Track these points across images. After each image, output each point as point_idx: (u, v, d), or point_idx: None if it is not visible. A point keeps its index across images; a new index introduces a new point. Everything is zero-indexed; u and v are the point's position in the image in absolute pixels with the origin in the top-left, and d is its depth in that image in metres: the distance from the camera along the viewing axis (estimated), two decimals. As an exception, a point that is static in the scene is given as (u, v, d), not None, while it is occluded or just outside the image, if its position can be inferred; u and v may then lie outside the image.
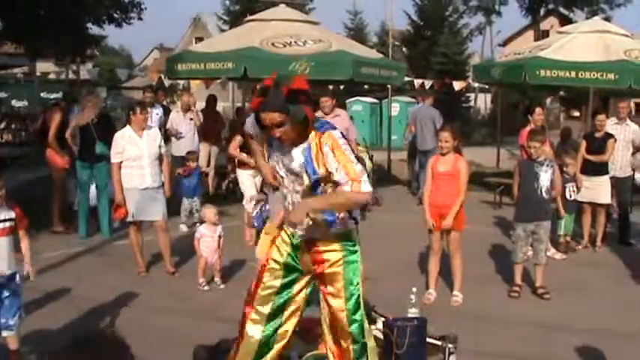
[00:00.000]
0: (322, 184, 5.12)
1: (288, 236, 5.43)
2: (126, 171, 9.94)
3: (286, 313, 5.53)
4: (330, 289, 5.35)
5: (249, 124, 5.75)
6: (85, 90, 16.14)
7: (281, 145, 5.21)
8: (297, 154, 5.12)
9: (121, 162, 9.95)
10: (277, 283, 5.46)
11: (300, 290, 5.53)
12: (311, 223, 5.07)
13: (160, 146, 10.20)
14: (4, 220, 6.42)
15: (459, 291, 9.16)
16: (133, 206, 9.96)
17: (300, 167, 5.11)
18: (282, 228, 5.53)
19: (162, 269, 10.34)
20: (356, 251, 5.42)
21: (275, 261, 5.47)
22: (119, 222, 11.55)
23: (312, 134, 5.11)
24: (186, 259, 10.79)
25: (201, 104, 17.47)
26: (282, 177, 5.31)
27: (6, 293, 6.48)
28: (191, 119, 15.06)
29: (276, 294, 5.47)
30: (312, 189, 5.12)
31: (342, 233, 5.32)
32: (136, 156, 9.93)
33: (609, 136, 12.27)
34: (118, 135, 10.14)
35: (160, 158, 10.21)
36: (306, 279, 5.51)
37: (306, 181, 5.10)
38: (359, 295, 5.43)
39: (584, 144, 12.46)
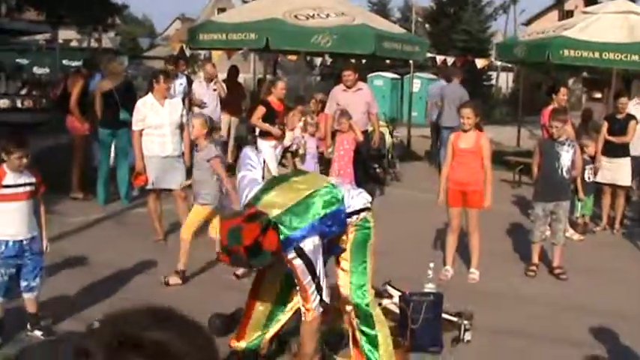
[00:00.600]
0: None
1: None
2: (147, 138, 9.99)
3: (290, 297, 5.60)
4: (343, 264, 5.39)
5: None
6: (107, 57, 16.15)
7: None
8: None
9: (142, 129, 9.99)
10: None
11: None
12: None
13: (181, 115, 10.22)
14: (26, 184, 6.55)
15: (476, 268, 9.17)
16: (153, 174, 10.00)
17: None
18: None
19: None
20: (369, 227, 5.65)
21: None
22: (139, 189, 11.56)
23: None
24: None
25: (222, 75, 17.44)
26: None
27: (28, 255, 6.61)
28: (214, 90, 15.00)
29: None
30: None
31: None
32: (158, 124, 9.97)
33: (631, 117, 12.21)
34: (140, 102, 10.20)
35: (182, 127, 10.24)
36: None
37: None
38: (365, 267, 5.58)
39: (605, 125, 12.40)
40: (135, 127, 10.09)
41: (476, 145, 8.85)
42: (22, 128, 17.70)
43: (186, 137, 10.38)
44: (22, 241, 6.53)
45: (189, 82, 15.04)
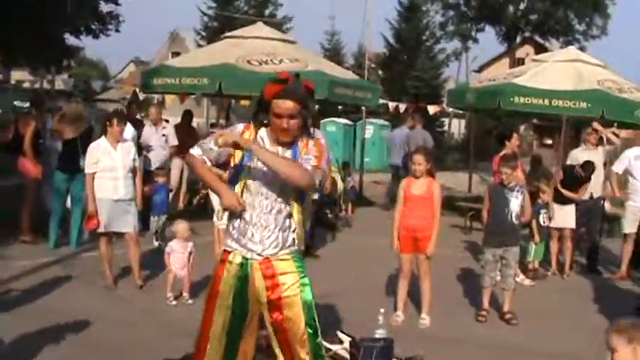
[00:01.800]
0: None
1: (236, 264, 5.23)
2: (99, 181, 9.95)
3: (242, 342, 5.41)
4: (286, 313, 5.16)
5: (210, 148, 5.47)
6: (70, 101, 16.07)
7: (272, 142, 5.18)
8: (285, 154, 5.11)
9: (94, 172, 9.96)
10: (227, 315, 5.27)
11: (252, 319, 5.34)
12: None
13: (134, 159, 10.22)
14: None
15: (426, 314, 9.18)
16: (105, 217, 9.94)
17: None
18: (226, 260, 5.31)
19: (131, 283, 10.29)
20: (306, 275, 5.24)
21: (223, 293, 5.27)
22: (90, 232, 11.47)
23: (303, 139, 5.16)
24: (155, 274, 10.76)
25: (176, 119, 17.44)
26: (255, 179, 5.16)
27: None
28: (163, 135, 14.92)
29: (229, 330, 5.29)
30: (297, 194, 5.15)
31: (295, 255, 5.21)
32: (110, 167, 9.95)
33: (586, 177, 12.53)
34: (93, 146, 10.16)
35: (134, 171, 10.23)
36: (256, 309, 5.30)
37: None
38: (315, 318, 5.23)
39: (560, 175, 12.70)
40: (88, 170, 10.04)
41: (427, 191, 8.92)
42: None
43: (138, 180, 10.37)
44: None
45: (141, 125, 14.98)
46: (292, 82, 5.06)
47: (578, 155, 13.05)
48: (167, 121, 15.53)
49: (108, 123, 10.13)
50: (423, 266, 9.09)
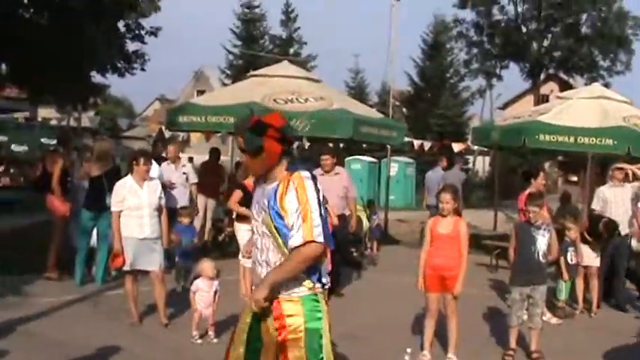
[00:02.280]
0: (284, 221, 5.05)
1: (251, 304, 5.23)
2: (125, 220, 9.96)
3: None
4: (290, 356, 5.09)
5: None
6: (97, 139, 16.20)
7: (257, 180, 5.40)
8: (267, 191, 5.14)
9: (121, 211, 9.98)
10: (241, 355, 5.29)
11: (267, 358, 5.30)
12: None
13: (160, 197, 10.25)
14: None
15: (453, 354, 9.10)
16: (131, 255, 9.94)
17: (266, 204, 5.10)
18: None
19: (156, 320, 10.27)
20: (320, 318, 5.14)
21: (240, 331, 5.31)
22: (116, 271, 11.48)
23: (285, 174, 5.12)
24: (181, 312, 10.75)
25: (202, 157, 17.53)
26: (255, 220, 5.28)
27: None
28: (184, 173, 14.96)
29: None
30: (277, 231, 5.08)
31: (307, 297, 5.12)
32: (136, 206, 9.98)
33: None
34: (119, 184, 10.19)
35: (160, 209, 10.25)
36: (270, 347, 5.24)
37: (269, 221, 5.07)
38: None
39: (586, 223, 12.70)
40: (114, 208, 10.07)
41: (454, 230, 8.88)
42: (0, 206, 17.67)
43: (164, 219, 10.39)
44: None
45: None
46: (244, 118, 5.25)
47: (605, 192, 13.01)
48: (191, 158, 15.59)
49: (134, 162, 10.15)
50: (450, 306, 9.03)
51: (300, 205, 4.96)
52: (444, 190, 9.21)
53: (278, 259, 5.12)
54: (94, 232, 12.76)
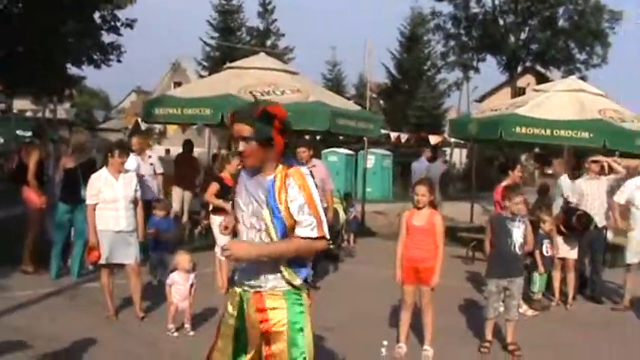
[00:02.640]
0: (283, 220, 5.02)
1: (237, 296, 5.26)
2: (100, 212, 9.89)
3: None
4: (273, 348, 5.12)
5: None
6: (73, 131, 16.08)
7: (247, 171, 5.18)
8: (263, 184, 5.07)
9: (96, 204, 9.90)
10: (229, 346, 5.31)
11: (252, 349, 5.28)
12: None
13: (135, 190, 10.20)
14: None
15: (429, 345, 9.11)
16: (107, 249, 9.88)
17: (262, 198, 5.05)
18: (231, 286, 5.39)
19: (132, 314, 10.23)
20: (302, 312, 5.16)
21: (226, 325, 5.32)
22: (92, 265, 11.41)
23: (280, 168, 5.07)
24: (157, 305, 10.71)
25: (177, 149, 17.46)
26: (242, 211, 5.20)
27: None
28: (151, 164, 14.77)
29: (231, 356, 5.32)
30: (273, 225, 5.04)
31: (289, 292, 5.13)
32: (112, 198, 9.90)
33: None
34: (94, 177, 10.09)
35: (135, 202, 10.19)
36: (255, 340, 5.25)
37: (267, 215, 5.04)
38: (305, 353, 5.15)
39: (560, 218, 12.73)
40: (89, 201, 9.97)
41: (429, 222, 8.89)
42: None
43: (140, 211, 10.34)
44: None
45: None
46: (248, 106, 5.09)
47: (582, 185, 13.05)
48: (167, 150, 15.52)
49: (109, 154, 10.07)
50: (425, 297, 9.04)
51: (307, 202, 4.97)
52: (419, 183, 9.21)
53: (270, 259, 5.09)
54: (70, 225, 12.68)
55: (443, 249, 8.99)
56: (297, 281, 5.12)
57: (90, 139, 14.06)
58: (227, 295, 5.41)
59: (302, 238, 4.97)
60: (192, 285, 9.62)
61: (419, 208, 8.97)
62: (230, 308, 5.30)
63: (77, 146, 12.84)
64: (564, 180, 13.88)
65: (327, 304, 10.81)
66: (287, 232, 5.02)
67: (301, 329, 5.15)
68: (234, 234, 5.45)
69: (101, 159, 11.00)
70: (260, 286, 5.12)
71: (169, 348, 8.93)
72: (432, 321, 9.10)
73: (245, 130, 4.96)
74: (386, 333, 9.41)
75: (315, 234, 4.98)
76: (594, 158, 13.38)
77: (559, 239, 12.47)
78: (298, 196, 4.97)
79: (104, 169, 10.11)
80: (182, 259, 9.70)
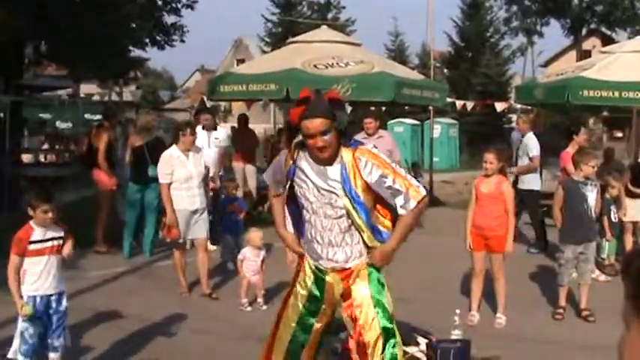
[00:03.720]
0: (364, 202, 5.07)
1: (312, 271, 5.35)
2: (175, 192, 9.92)
3: (307, 345, 5.48)
4: (355, 296, 5.23)
5: (270, 173, 5.44)
6: (141, 112, 16.24)
7: (315, 162, 5.15)
8: (333, 172, 5.07)
9: (170, 183, 9.93)
10: (298, 313, 5.41)
11: (321, 323, 5.45)
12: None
13: (206, 167, 10.27)
14: (53, 239, 6.50)
15: (502, 313, 9.09)
16: (182, 227, 9.96)
17: (336, 186, 5.06)
18: (304, 262, 5.46)
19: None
20: (380, 270, 5.33)
21: (298, 293, 5.41)
22: (170, 241, 11.27)
23: (344, 152, 5.08)
24: (229, 281, 10.82)
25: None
26: (311, 202, 5.20)
27: (54, 312, 6.52)
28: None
29: (298, 326, 5.42)
30: (356, 212, 5.07)
31: (369, 265, 5.27)
32: (185, 177, 9.96)
33: None
34: (165, 155, 10.14)
35: (206, 180, 10.27)
36: (327, 313, 5.43)
37: (347, 203, 5.05)
38: (387, 304, 5.28)
39: (629, 175, 12.49)
40: (162, 180, 9.98)
41: (497, 190, 8.84)
42: (45, 182, 17.86)
43: (209, 188, 10.38)
44: (50, 296, 6.47)
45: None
46: (314, 99, 5.01)
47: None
48: (233, 127, 15.51)
49: (180, 132, 10.11)
50: (495, 265, 9.00)
51: (391, 175, 5.03)
52: (487, 151, 9.15)
53: (356, 239, 5.19)
54: (142, 204, 12.83)
55: (513, 217, 8.93)
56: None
57: (156, 118, 14.16)
58: (298, 267, 5.46)
59: (407, 214, 5.10)
60: (263, 260, 9.70)
61: (487, 176, 8.93)
62: (305, 279, 5.35)
63: (144, 126, 12.98)
64: None
65: (398, 274, 10.79)
66: (369, 212, 5.10)
67: (382, 284, 5.29)
68: (297, 224, 5.48)
69: (169, 139, 11.08)
70: (340, 267, 5.23)
71: (243, 322, 9.02)
72: (504, 289, 9.07)
73: (323, 123, 4.93)
74: (458, 301, 9.38)
75: (413, 205, 5.05)
76: None
77: (629, 202, 12.27)
78: (375, 173, 5.02)
79: (174, 147, 10.14)
80: (253, 235, 9.77)
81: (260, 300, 9.65)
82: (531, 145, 13.43)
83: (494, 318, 9.12)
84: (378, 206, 5.17)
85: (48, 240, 6.46)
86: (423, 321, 7.98)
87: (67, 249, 6.62)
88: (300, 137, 5.10)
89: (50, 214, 6.41)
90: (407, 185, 5.01)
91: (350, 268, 5.22)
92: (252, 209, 16.00)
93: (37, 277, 6.39)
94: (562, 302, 9.53)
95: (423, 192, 5.09)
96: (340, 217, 5.09)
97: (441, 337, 7.21)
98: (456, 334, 7.35)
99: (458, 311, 7.58)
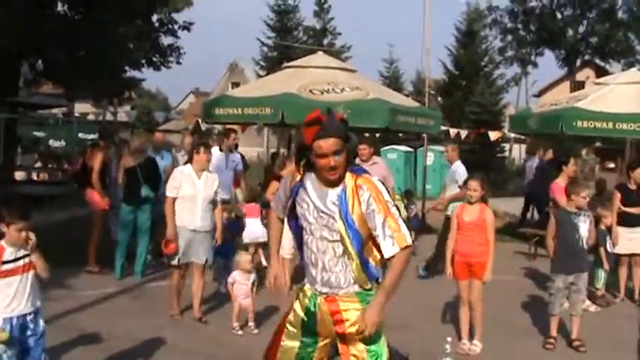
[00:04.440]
0: (358, 230, 5.02)
1: (307, 297, 5.28)
2: (178, 208, 9.89)
3: None
4: (352, 350, 5.17)
5: (278, 195, 5.56)
6: (135, 133, 16.25)
7: (319, 184, 5.11)
8: (334, 195, 5.04)
9: (175, 198, 9.88)
10: (296, 345, 5.32)
11: (319, 353, 5.36)
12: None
13: (216, 192, 10.16)
14: (26, 256, 6.28)
15: (478, 340, 9.11)
16: (182, 246, 9.88)
17: (334, 209, 5.03)
18: (302, 289, 5.38)
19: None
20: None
21: (293, 324, 5.33)
22: (168, 258, 11.07)
23: (348, 176, 5.04)
24: (220, 305, 10.80)
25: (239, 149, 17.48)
26: (309, 223, 5.17)
27: (31, 333, 6.37)
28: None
29: (296, 356, 5.34)
30: (349, 237, 5.04)
31: (361, 293, 5.17)
32: (191, 195, 9.89)
33: None
34: (178, 170, 10.23)
35: (214, 203, 10.19)
36: (325, 342, 5.33)
37: (341, 227, 5.03)
38: (383, 353, 5.22)
39: (618, 196, 12.40)
40: (169, 193, 9.95)
41: (479, 217, 8.91)
42: (38, 201, 17.85)
43: (219, 214, 10.34)
44: (26, 315, 6.30)
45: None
46: (328, 119, 4.99)
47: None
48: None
49: (195, 151, 10.10)
50: (475, 292, 9.04)
51: (383, 213, 4.96)
52: (471, 179, 9.21)
53: (342, 267, 5.11)
54: (134, 224, 12.80)
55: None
56: (369, 284, 5.16)
57: (147, 139, 14.12)
58: (292, 294, 5.44)
59: (389, 258, 5.00)
60: (253, 283, 9.68)
61: (471, 203, 8.98)
62: (299, 309, 5.32)
63: (137, 147, 12.98)
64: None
65: (390, 301, 10.81)
66: (363, 241, 5.03)
67: (379, 331, 5.17)
68: (300, 245, 5.42)
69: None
70: (333, 293, 5.15)
71: (234, 346, 9.00)
72: (482, 316, 9.11)
73: (337, 143, 4.91)
74: (449, 329, 9.39)
75: (395, 250, 4.96)
76: None
77: (625, 232, 12.24)
78: (373, 207, 4.97)
79: (189, 165, 10.14)
80: (243, 259, 9.78)
81: (251, 324, 9.62)
82: (460, 172, 13.45)
83: (472, 344, 9.11)
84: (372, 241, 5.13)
85: (20, 258, 6.26)
86: (414, 348, 7.97)
87: (40, 268, 6.36)
88: (308, 156, 5.08)
89: (24, 234, 6.17)
90: (395, 229, 4.96)
91: (342, 306, 5.14)
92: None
93: (11, 298, 6.22)
94: (553, 332, 9.54)
95: (409, 241, 4.98)
96: (336, 241, 5.04)
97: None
98: (448, 362, 7.35)
99: (449, 339, 7.59)
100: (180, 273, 10.13)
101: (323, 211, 5.07)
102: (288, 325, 5.35)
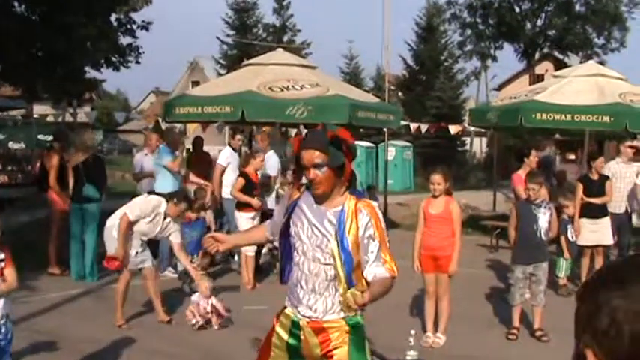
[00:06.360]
0: (351, 254, 4.92)
1: (289, 319, 5.16)
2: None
3: None
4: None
5: (275, 219, 5.37)
6: (79, 132, 16.11)
7: (315, 202, 5.02)
8: (332, 215, 4.94)
9: (134, 222, 9.52)
10: None
11: None
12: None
13: (169, 235, 9.90)
14: None
15: (442, 333, 9.17)
16: (130, 253, 9.66)
17: (330, 229, 4.93)
18: (281, 313, 5.26)
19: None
20: (359, 322, 5.19)
21: (278, 347, 5.22)
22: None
23: (348, 198, 4.98)
24: (185, 303, 10.76)
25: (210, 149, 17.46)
26: (302, 242, 5.03)
27: (0, 337, 6.28)
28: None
29: None
30: (340, 258, 4.93)
31: (347, 318, 5.10)
32: (145, 232, 9.66)
33: (605, 178, 12.41)
34: (153, 204, 9.72)
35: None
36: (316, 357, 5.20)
37: (334, 247, 4.93)
38: None
39: (580, 187, 12.53)
40: (132, 217, 9.50)
41: (445, 211, 8.95)
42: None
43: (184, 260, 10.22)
44: None
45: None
46: (314, 132, 4.98)
47: (612, 167, 13.05)
48: (188, 149, 15.48)
49: (175, 198, 9.77)
50: (441, 285, 9.10)
51: (379, 240, 4.94)
52: (434, 172, 9.24)
53: (332, 291, 5.03)
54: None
55: (466, 237, 9.03)
56: (352, 312, 5.08)
57: (93, 137, 14.01)
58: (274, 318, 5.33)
59: (377, 278, 4.97)
60: (213, 305, 9.65)
61: (435, 197, 9.03)
62: (282, 332, 5.22)
63: (80, 145, 12.86)
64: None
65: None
66: (354, 266, 4.96)
67: (363, 348, 5.18)
68: (285, 265, 5.34)
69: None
70: (315, 316, 5.05)
71: (200, 344, 8.98)
72: (448, 309, 9.17)
73: (317, 156, 4.80)
74: (413, 322, 9.44)
75: (385, 274, 4.98)
76: (631, 144, 13.39)
77: (588, 224, 12.38)
78: (371, 232, 4.92)
79: (164, 205, 9.70)
80: (202, 286, 9.70)
81: (214, 321, 9.60)
82: (270, 164, 13.51)
83: (436, 337, 9.16)
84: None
85: None
86: (378, 342, 7.99)
87: (10, 277, 6.30)
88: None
89: None
90: (387, 260, 4.97)
91: (326, 326, 5.06)
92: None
93: None
94: (515, 322, 9.61)
95: (395, 273, 5.02)
96: (328, 263, 4.95)
97: (396, 358, 7.22)
98: (412, 354, 7.39)
99: (413, 332, 7.63)
100: (127, 276, 9.81)
101: (318, 230, 4.96)
102: (274, 349, 5.29)
